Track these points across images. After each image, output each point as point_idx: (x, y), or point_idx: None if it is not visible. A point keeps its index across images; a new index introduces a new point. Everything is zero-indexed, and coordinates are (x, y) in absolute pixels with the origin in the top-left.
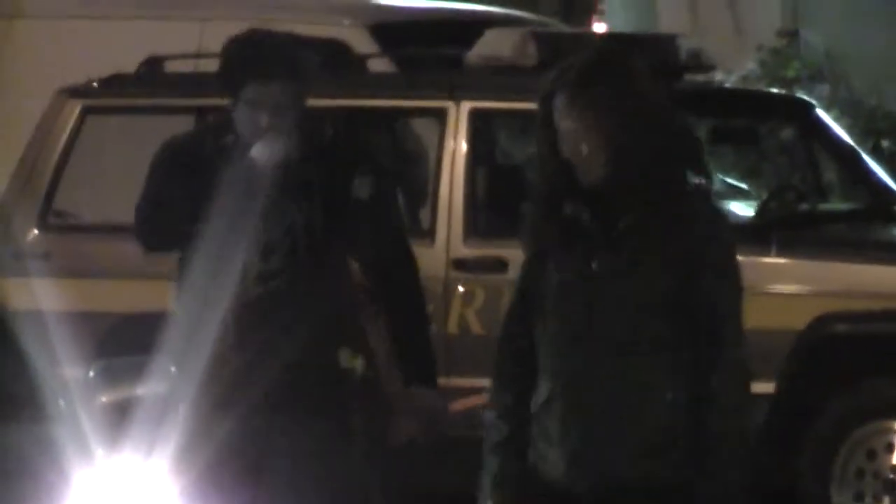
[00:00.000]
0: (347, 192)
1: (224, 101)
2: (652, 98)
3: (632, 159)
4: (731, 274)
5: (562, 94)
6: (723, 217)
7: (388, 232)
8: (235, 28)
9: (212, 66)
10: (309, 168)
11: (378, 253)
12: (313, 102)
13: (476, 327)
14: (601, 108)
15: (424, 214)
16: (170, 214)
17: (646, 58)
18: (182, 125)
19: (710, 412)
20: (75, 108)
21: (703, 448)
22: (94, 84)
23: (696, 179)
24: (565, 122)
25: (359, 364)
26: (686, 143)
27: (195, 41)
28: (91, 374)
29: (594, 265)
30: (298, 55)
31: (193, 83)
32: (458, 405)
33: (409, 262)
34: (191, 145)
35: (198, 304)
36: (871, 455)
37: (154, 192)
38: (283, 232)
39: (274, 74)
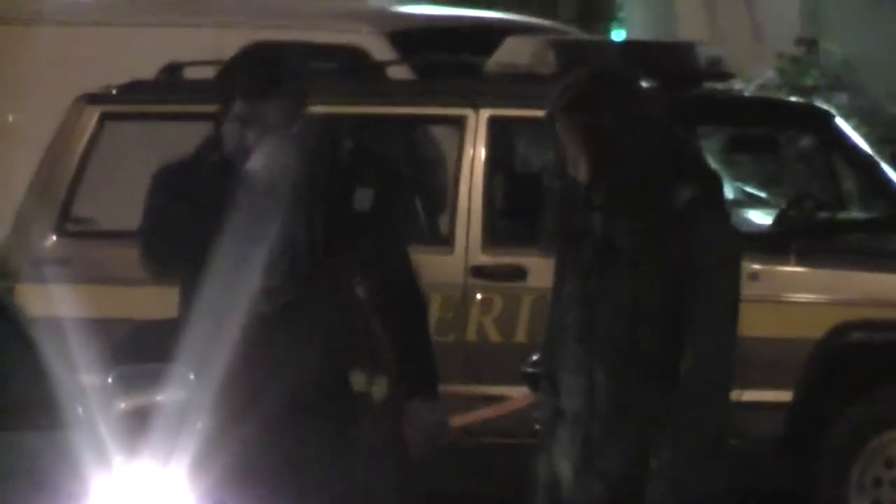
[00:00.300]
0: (349, 203)
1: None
2: (646, 114)
3: (626, 176)
4: (726, 277)
5: (558, 118)
6: (723, 222)
7: (389, 247)
8: (254, 35)
9: None
10: (308, 180)
11: (379, 267)
12: (333, 110)
13: (494, 335)
14: (593, 134)
15: (443, 222)
16: (172, 237)
17: (664, 66)
18: (200, 132)
19: (675, 408)
20: (94, 115)
21: (655, 443)
22: (113, 91)
23: (696, 186)
24: (564, 144)
25: (376, 389)
26: (685, 152)
27: (214, 48)
28: (109, 380)
29: (597, 269)
30: (293, 74)
31: (212, 90)
32: (460, 420)
33: (411, 276)
34: (188, 164)
35: (213, 315)
36: (889, 464)
37: (155, 215)
38: (284, 245)
39: (263, 93)
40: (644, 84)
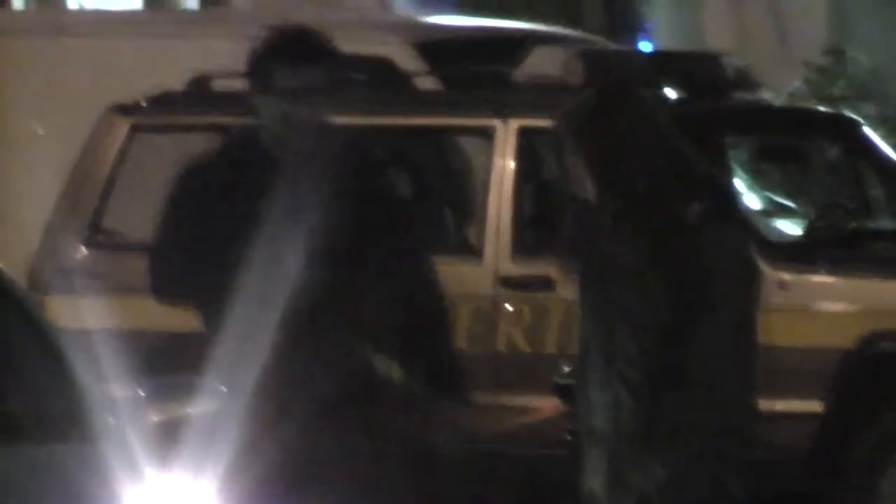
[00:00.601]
0: (375, 208)
1: None
2: (651, 130)
3: (632, 195)
4: (736, 288)
5: (564, 137)
6: (732, 233)
7: (411, 252)
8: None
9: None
10: (337, 177)
11: (400, 271)
12: (361, 120)
13: (524, 345)
14: (598, 154)
15: (472, 232)
16: (192, 254)
17: (692, 76)
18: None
19: (677, 411)
20: (124, 126)
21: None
22: (143, 102)
23: (704, 199)
24: (570, 162)
25: (395, 372)
26: (692, 166)
27: (242, 59)
28: (141, 392)
29: (610, 285)
30: (327, 42)
31: (242, 101)
32: (488, 428)
33: (432, 281)
34: (207, 172)
35: (245, 322)
36: None
37: (174, 231)
38: (314, 238)
39: (305, 59)
40: (655, 96)
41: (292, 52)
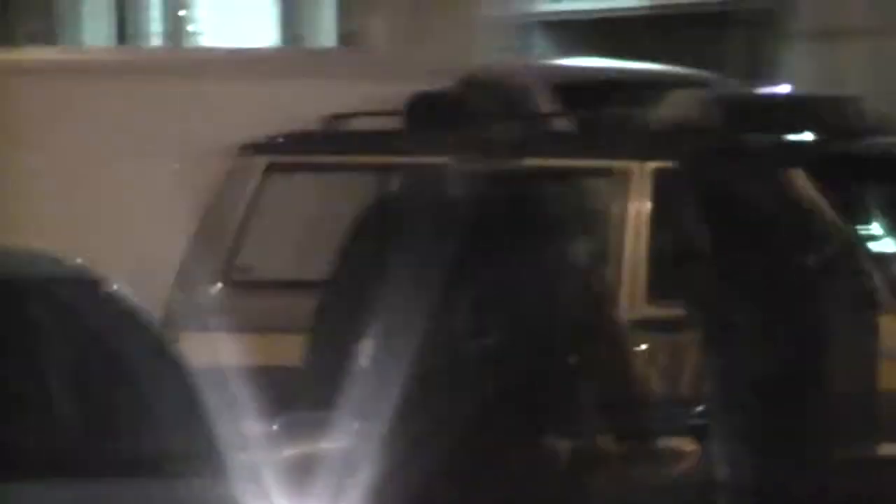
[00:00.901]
0: (516, 257)
1: (408, 159)
2: (768, 179)
3: (748, 242)
4: (854, 336)
5: (686, 184)
6: (854, 280)
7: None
8: (396, 88)
9: (393, 123)
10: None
11: (572, 312)
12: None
13: (659, 388)
14: (712, 201)
15: (608, 274)
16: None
17: (828, 119)
18: (364, 183)
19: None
20: (260, 165)
21: None
22: (279, 140)
23: (822, 247)
24: (691, 209)
25: (563, 449)
26: (811, 214)
27: (352, 102)
28: (274, 428)
29: (727, 334)
30: (524, 95)
31: (377, 141)
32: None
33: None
34: (382, 224)
35: (389, 360)
36: None
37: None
38: (488, 289)
39: (500, 114)
40: (783, 142)
41: (488, 105)
